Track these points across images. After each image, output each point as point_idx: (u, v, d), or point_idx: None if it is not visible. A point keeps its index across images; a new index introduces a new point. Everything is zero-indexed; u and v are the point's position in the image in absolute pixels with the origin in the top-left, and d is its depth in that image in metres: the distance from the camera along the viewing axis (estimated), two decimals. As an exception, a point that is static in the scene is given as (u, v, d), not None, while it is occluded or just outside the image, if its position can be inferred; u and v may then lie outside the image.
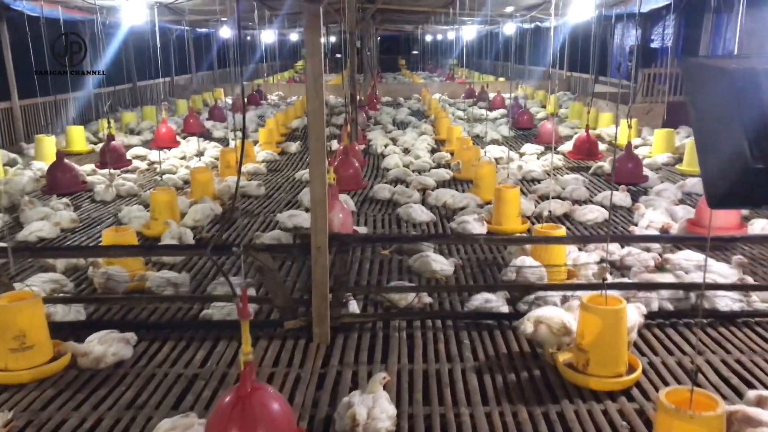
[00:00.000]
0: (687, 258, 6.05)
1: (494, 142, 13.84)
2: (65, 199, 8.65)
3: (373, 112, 18.89)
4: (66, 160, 9.60)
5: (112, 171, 10.62)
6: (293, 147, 13.41)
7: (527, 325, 4.48)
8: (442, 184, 10.06)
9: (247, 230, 7.80)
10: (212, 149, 12.76)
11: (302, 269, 5.89)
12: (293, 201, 9.09)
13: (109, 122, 10.57)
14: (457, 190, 9.66)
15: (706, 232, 6.61)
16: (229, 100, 22.51)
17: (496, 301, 5.16)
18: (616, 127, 6.48)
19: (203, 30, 22.69)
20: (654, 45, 17.93)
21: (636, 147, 12.44)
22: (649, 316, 4.96)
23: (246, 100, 21.98)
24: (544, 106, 20.06)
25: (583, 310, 4.18)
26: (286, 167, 12.03)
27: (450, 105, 20.71)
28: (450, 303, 5.50)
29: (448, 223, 7.91)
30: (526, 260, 5.56)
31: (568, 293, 5.12)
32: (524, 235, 6.51)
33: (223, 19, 18.50)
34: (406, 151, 12.92)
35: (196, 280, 6.06)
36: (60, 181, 9.16)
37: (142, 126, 15.84)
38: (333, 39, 30.02)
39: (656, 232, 7.02)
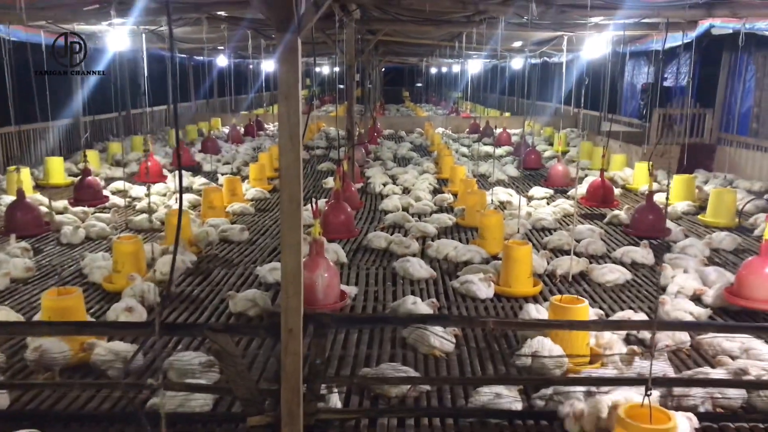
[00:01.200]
0: (729, 338, 5.14)
1: (500, 182, 13.02)
2: (24, 243, 7.78)
3: (374, 147, 18.12)
4: (28, 199, 8.75)
5: (86, 209, 9.82)
6: (286, 184, 12.53)
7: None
8: (443, 231, 9.21)
9: (221, 285, 6.90)
10: (199, 185, 11.94)
11: (272, 352, 4.93)
12: (279, 249, 8.20)
13: (84, 155, 9.74)
14: (460, 238, 8.82)
15: (750, 304, 5.75)
16: (226, 130, 21.85)
17: (507, 396, 4.24)
18: (655, 181, 5.58)
19: (200, 58, 22.06)
20: (667, 84, 17.18)
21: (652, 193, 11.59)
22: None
23: (243, 130, 21.37)
24: (551, 144, 19.29)
25: (622, 428, 3.28)
26: (276, 207, 11.19)
27: (454, 141, 19.96)
28: (451, 391, 4.58)
29: (450, 280, 7.03)
30: (545, 342, 4.64)
31: (594, 389, 4.19)
32: (541, 318, 5.41)
33: (219, 47, 17.88)
34: (406, 190, 12.11)
35: (154, 351, 5.16)
36: (19, 222, 8.28)
37: (130, 157, 15.05)
38: (337, 69, 29.50)
39: (688, 301, 6.08)
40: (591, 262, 7.47)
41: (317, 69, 37.90)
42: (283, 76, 3.65)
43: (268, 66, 26.37)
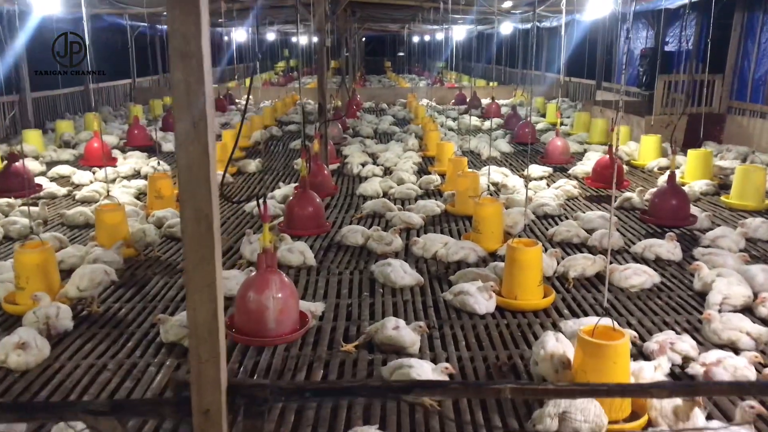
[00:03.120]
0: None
1: (491, 159, 11.69)
2: None
3: (352, 121, 16.68)
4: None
5: (11, 201, 8.38)
6: (252, 165, 11.18)
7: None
8: (430, 221, 7.91)
9: (156, 301, 5.55)
10: (151, 167, 10.48)
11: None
12: (234, 249, 6.84)
13: (9, 139, 8.24)
14: (450, 230, 7.54)
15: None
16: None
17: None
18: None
19: (163, 27, 20.36)
20: (669, 48, 15.84)
21: (661, 170, 10.38)
22: None
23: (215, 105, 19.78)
24: (543, 115, 17.96)
25: None
26: (239, 192, 9.83)
27: (439, 113, 18.54)
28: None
29: (440, 285, 5.76)
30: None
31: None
32: (578, 384, 3.43)
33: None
34: (388, 171, 10.76)
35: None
36: None
37: (80, 137, 13.47)
38: (315, 39, 27.86)
39: (742, 317, 4.78)
40: (611, 263, 6.21)
41: (294, 39, 36.16)
42: (176, 24, 2.28)
43: (239, 35, 24.75)
